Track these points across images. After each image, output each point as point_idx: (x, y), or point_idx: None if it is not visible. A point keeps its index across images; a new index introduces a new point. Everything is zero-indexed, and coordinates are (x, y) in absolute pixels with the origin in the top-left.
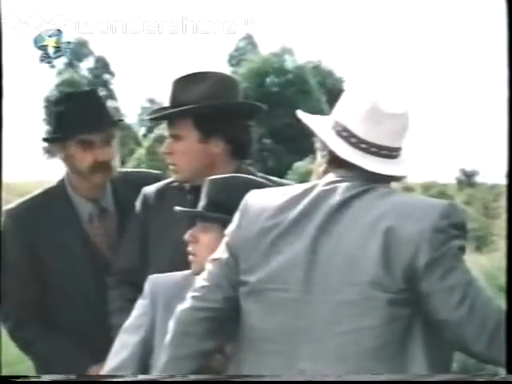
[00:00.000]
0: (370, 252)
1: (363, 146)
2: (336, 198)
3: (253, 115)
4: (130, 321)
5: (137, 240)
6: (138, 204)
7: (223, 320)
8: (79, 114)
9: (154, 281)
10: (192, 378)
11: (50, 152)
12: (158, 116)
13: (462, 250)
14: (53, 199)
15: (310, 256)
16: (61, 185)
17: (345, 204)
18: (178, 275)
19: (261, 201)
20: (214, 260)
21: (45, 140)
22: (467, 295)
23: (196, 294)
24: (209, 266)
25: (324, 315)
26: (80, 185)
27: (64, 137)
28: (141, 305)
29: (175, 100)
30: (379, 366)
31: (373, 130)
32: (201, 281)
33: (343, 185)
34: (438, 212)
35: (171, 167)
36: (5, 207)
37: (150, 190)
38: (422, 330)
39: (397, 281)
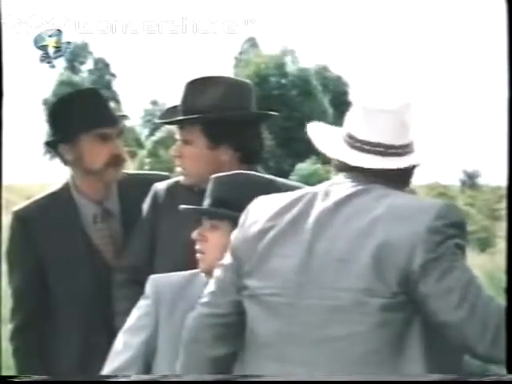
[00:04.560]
0: (362, 257)
1: (357, 144)
2: (331, 199)
3: (263, 123)
4: (131, 321)
5: (146, 237)
6: (147, 201)
7: (232, 325)
8: (95, 108)
9: (156, 281)
10: (188, 378)
11: (55, 153)
12: (167, 122)
13: (460, 248)
14: (58, 201)
15: (305, 259)
16: (65, 187)
17: (339, 205)
18: (180, 275)
19: (263, 204)
20: (221, 265)
21: (53, 141)
22: (467, 295)
23: (203, 300)
24: (216, 272)
25: (317, 320)
26: (86, 186)
27: (77, 133)
28: (143, 305)
29: (186, 104)
30: (373, 370)
31: (365, 128)
32: (209, 286)
33: (339, 186)
34: (432, 213)
35: (180, 170)
36: (13, 208)
37: (160, 187)
38: (420, 333)
39: (390, 285)
